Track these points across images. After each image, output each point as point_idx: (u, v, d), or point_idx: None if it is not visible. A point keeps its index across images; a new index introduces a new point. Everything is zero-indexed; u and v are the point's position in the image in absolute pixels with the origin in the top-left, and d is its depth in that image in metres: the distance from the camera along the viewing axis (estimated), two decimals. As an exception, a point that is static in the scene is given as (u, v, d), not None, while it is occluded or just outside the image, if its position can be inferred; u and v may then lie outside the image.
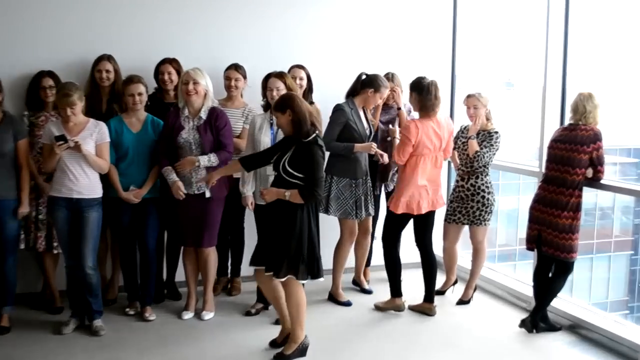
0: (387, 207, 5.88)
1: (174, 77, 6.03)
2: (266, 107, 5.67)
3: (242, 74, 6.13)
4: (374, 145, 5.88)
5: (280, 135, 5.20)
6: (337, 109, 5.89)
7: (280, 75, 5.56)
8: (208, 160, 5.45)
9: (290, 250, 4.81)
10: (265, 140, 5.45)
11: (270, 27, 6.70)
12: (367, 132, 5.99)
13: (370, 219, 6.29)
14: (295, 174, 4.77)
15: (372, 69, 6.19)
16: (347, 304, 6.24)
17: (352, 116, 5.86)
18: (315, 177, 4.74)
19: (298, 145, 4.83)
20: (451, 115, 7.31)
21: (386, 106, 6.34)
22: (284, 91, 5.37)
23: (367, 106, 6.01)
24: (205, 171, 5.45)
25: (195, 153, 5.51)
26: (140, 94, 5.63)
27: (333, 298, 6.31)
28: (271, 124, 5.48)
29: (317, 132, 4.85)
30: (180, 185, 5.50)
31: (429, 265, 5.95)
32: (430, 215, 5.91)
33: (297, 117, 4.76)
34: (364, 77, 5.97)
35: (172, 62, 6.09)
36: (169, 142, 5.59)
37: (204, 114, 5.52)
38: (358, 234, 6.22)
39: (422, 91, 5.61)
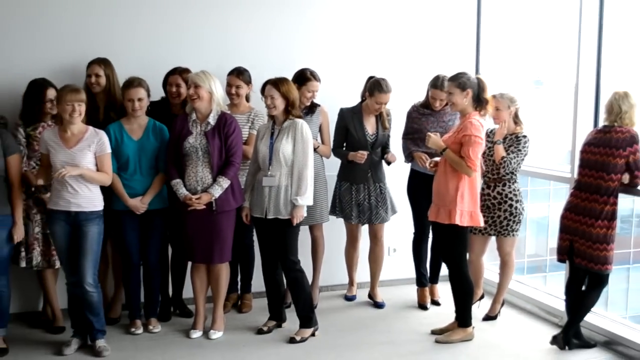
0: (443, 223, 5.38)
1: (183, 89, 5.75)
2: (271, 116, 5.53)
3: (243, 80, 5.91)
4: (362, 153, 6.00)
5: (285, 146, 5.37)
6: (338, 113, 6.21)
7: (274, 83, 5.41)
8: (220, 187, 5.33)
9: None
10: (264, 150, 5.45)
11: (288, 30, 6.56)
12: (371, 139, 6.12)
13: (381, 227, 6.34)
14: None
15: (390, 70, 6.38)
16: (350, 298, 6.63)
17: (351, 121, 6.10)
18: None
19: None
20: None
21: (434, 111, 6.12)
22: (279, 100, 5.36)
23: (370, 112, 6.09)
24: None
25: (202, 160, 5.35)
26: (140, 99, 5.39)
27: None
28: (272, 134, 5.44)
29: None
30: (193, 197, 5.35)
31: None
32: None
33: None
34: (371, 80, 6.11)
35: (183, 72, 5.78)
36: (176, 149, 5.41)
37: (212, 120, 5.38)
38: (370, 241, 6.41)
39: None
